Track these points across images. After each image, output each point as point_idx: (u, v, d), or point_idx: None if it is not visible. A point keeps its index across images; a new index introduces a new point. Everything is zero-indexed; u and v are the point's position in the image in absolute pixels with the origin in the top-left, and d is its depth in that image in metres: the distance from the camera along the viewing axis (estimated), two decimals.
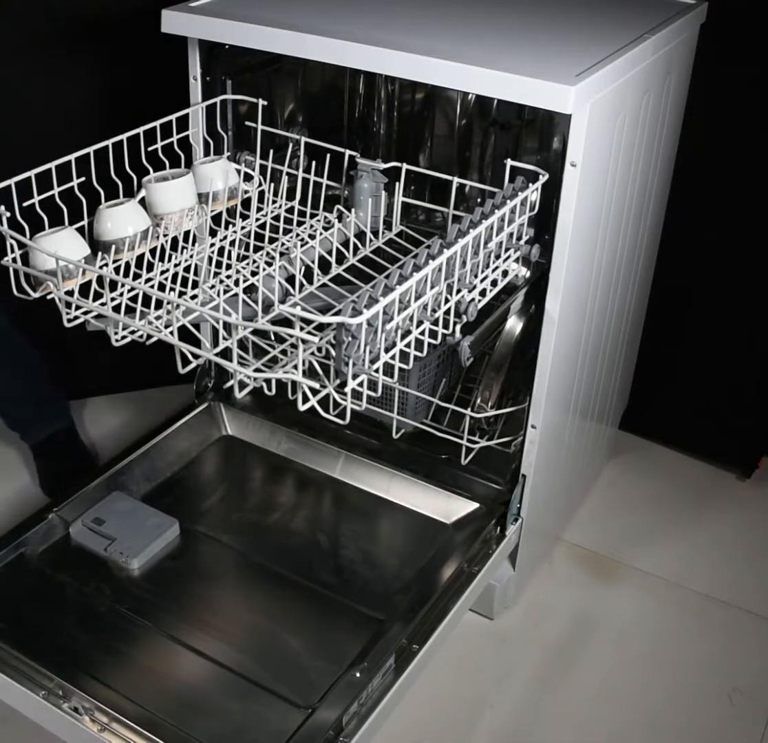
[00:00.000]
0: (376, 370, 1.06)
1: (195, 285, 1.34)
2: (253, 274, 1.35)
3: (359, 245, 1.44)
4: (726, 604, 1.69)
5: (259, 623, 1.37)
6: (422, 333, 1.14)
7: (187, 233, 1.34)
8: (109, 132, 1.28)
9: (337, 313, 1.15)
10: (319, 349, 1.08)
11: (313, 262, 1.37)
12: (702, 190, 1.77)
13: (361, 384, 1.05)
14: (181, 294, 1.31)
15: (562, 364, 1.41)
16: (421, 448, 1.63)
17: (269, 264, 1.36)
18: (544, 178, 1.26)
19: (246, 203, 1.44)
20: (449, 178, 1.34)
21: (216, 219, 1.41)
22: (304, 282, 1.35)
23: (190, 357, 1.09)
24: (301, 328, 1.04)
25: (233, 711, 1.22)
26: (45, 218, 1.21)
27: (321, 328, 1.04)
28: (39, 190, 1.20)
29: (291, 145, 1.45)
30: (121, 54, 1.72)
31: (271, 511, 1.58)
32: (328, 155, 1.42)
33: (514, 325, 1.42)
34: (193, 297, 1.31)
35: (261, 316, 1.25)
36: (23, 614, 1.33)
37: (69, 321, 1.17)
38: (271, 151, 1.47)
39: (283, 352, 1.19)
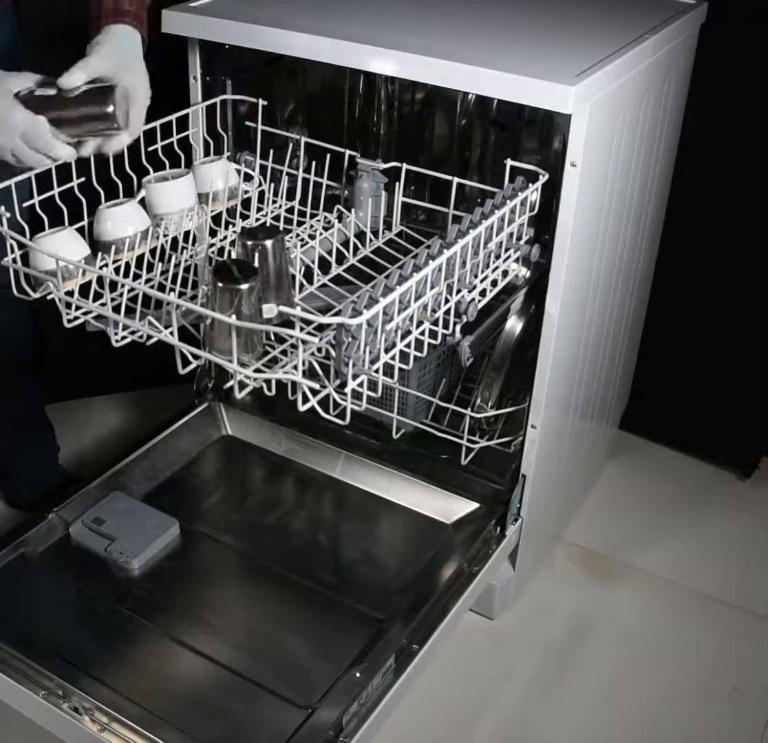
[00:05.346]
0: (376, 371, 1.06)
1: (195, 285, 1.34)
2: None
3: (359, 245, 1.44)
4: (726, 604, 1.69)
5: (259, 623, 1.38)
6: (422, 333, 1.14)
7: (187, 233, 1.34)
8: None
9: (337, 314, 1.15)
10: (319, 350, 1.08)
11: (313, 262, 1.37)
12: (702, 190, 1.77)
13: (361, 385, 1.05)
14: (181, 294, 1.31)
15: (562, 364, 1.41)
16: (421, 448, 1.63)
17: None
18: (544, 178, 1.26)
19: (246, 203, 1.44)
20: (449, 178, 1.34)
21: (216, 219, 1.41)
22: (304, 282, 1.35)
23: (190, 357, 1.09)
24: (301, 329, 1.04)
25: (233, 711, 1.22)
26: (45, 218, 1.21)
27: (321, 328, 1.04)
28: (39, 190, 1.20)
29: (291, 145, 1.45)
30: None
31: (271, 511, 1.58)
32: (328, 155, 1.42)
33: (514, 325, 1.42)
34: (193, 297, 1.31)
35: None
36: (23, 614, 1.33)
37: (69, 321, 1.17)
38: (271, 151, 1.47)
39: (284, 353, 1.19)
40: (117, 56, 1.15)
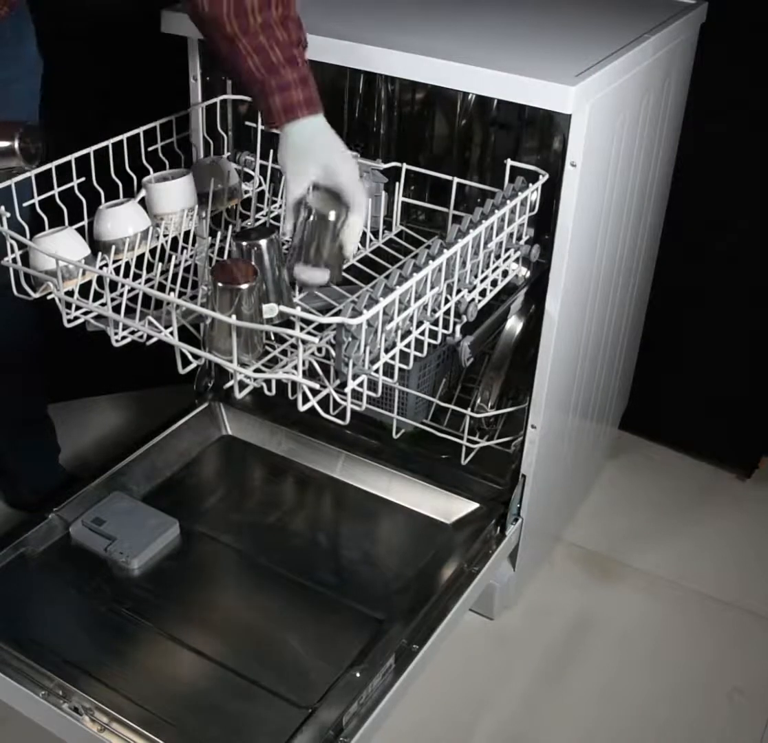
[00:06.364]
0: (376, 371, 1.06)
1: (195, 285, 1.34)
2: None
3: (359, 245, 1.43)
4: (726, 604, 1.69)
5: (259, 623, 1.38)
6: (422, 333, 1.14)
7: (187, 233, 1.34)
8: (109, 132, 1.28)
9: (337, 314, 1.15)
10: (319, 350, 1.08)
11: None
12: (702, 190, 1.77)
13: (361, 385, 1.05)
14: (181, 294, 1.31)
15: (562, 364, 1.41)
16: (421, 448, 1.63)
17: None
18: (544, 178, 1.26)
19: (246, 203, 1.44)
20: (449, 178, 1.34)
21: (216, 219, 1.41)
22: None
23: (190, 357, 1.09)
24: (301, 329, 1.04)
25: (233, 711, 1.22)
26: (45, 218, 1.21)
27: (321, 328, 1.04)
28: (39, 190, 1.20)
29: None
30: (122, 54, 1.72)
31: (271, 511, 1.58)
32: None
33: (514, 325, 1.43)
34: (193, 297, 1.31)
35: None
36: (23, 614, 1.33)
37: (69, 321, 1.17)
38: (271, 151, 1.47)
39: (284, 352, 1.19)
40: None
